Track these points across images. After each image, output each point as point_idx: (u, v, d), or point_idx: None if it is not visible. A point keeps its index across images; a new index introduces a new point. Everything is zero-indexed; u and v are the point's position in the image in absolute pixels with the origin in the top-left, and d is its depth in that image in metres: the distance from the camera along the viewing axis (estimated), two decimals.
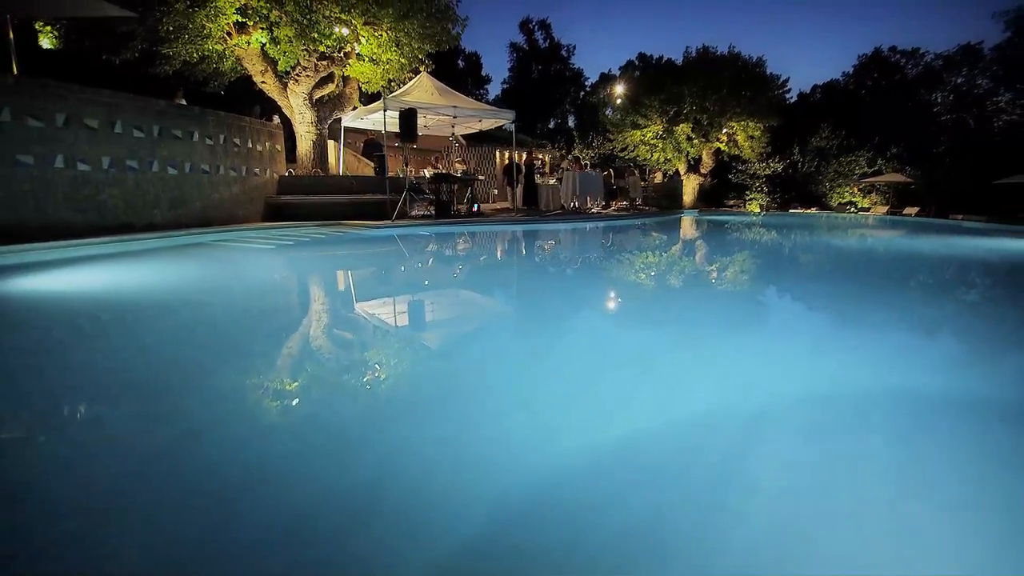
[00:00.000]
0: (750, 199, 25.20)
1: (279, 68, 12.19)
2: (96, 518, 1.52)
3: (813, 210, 24.74)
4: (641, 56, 37.18)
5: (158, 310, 4.41)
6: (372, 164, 14.91)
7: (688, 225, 15.74)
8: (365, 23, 11.77)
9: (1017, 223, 16.16)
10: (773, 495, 1.66)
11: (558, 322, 4.23)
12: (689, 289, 5.80)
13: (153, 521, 1.50)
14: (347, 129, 15.11)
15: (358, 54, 12.79)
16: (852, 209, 24.69)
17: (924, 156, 23.80)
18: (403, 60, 12.97)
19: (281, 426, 2.18)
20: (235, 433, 2.10)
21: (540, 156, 23.90)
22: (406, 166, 13.12)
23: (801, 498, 1.64)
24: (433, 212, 12.84)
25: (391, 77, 13.31)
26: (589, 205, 16.57)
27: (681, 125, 20.44)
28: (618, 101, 25.31)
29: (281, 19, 11.00)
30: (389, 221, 11.40)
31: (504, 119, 14.56)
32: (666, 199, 21.51)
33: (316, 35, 11.11)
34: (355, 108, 14.18)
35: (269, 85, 12.67)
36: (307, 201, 11.79)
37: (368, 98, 15.21)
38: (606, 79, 38.44)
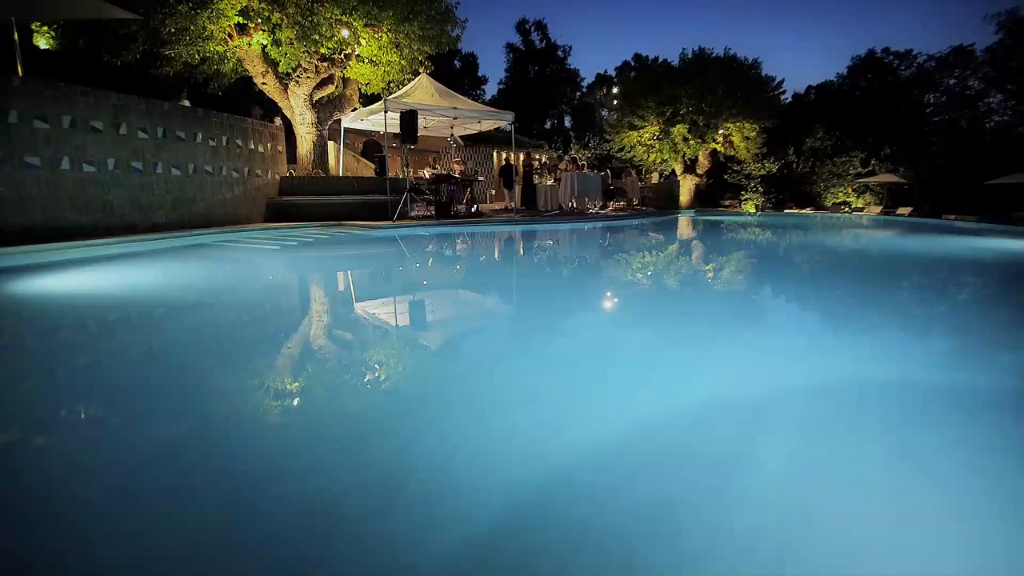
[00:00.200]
0: (745, 199, 25.38)
1: (280, 70, 12.27)
2: (143, 505, 1.63)
3: (808, 210, 24.95)
4: (637, 57, 37.43)
5: (179, 310, 4.52)
6: (372, 165, 15.01)
7: (687, 225, 15.90)
8: (366, 25, 11.86)
9: (1008, 223, 16.39)
10: (776, 480, 1.79)
11: (564, 320, 4.36)
12: (690, 288, 5.94)
13: (181, 510, 1.61)
14: (346, 130, 15.20)
15: (358, 56, 12.88)
16: (846, 209, 24.92)
17: (917, 156, 24.03)
18: (403, 62, 13.07)
19: (300, 421, 2.30)
20: (256, 427, 2.22)
21: (538, 157, 24.04)
22: (407, 167, 13.20)
23: (801, 484, 1.78)
24: (433, 213, 12.95)
25: (391, 79, 13.39)
26: (587, 206, 16.70)
27: (678, 126, 20.61)
28: (614, 102, 25.49)
29: (283, 21, 11.09)
30: (390, 222, 11.50)
31: (504, 120, 14.68)
32: (663, 200, 21.67)
33: (317, 37, 11.20)
34: (355, 109, 14.27)
35: (270, 86, 12.75)
36: (308, 202, 11.89)
37: (367, 99, 15.30)
38: (602, 80, 38.70)
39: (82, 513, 1.58)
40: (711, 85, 20.12)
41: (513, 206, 16.28)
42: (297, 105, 12.84)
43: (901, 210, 22.60)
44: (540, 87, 38.18)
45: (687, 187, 23.49)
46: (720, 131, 21.36)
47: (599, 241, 10.81)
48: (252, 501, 1.61)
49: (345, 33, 11.74)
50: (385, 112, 11.84)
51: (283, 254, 7.90)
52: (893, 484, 1.77)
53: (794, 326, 4.28)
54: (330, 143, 14.92)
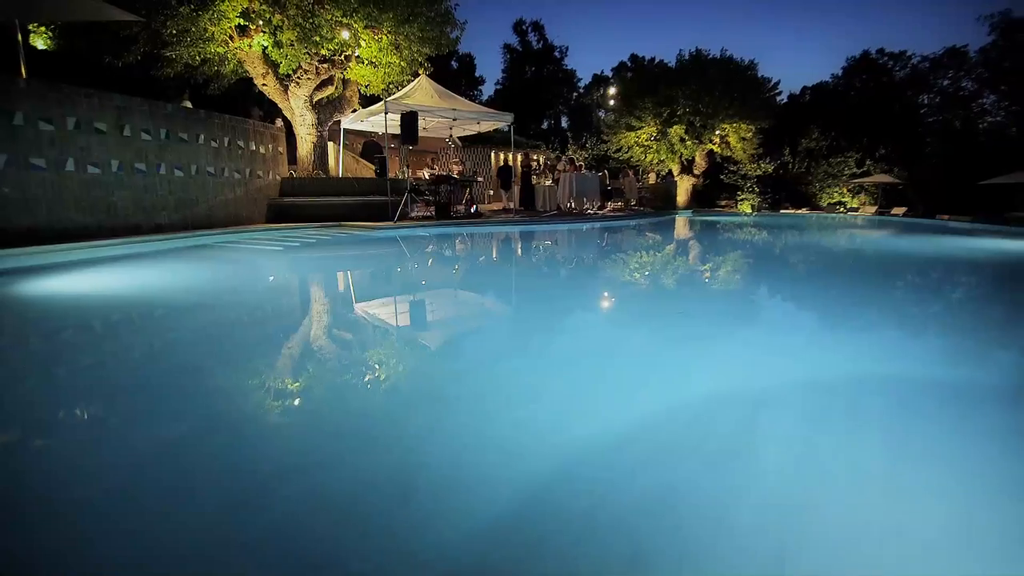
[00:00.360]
0: (742, 199, 25.56)
1: (280, 71, 12.32)
2: (169, 499, 1.72)
3: (804, 210, 25.15)
4: (633, 57, 37.56)
5: (191, 311, 4.59)
6: (371, 166, 15.09)
7: (686, 226, 16.02)
8: (366, 27, 11.93)
9: (1001, 223, 16.58)
10: (775, 473, 1.89)
11: (566, 319, 4.45)
12: (689, 287, 6.04)
13: (204, 505, 1.70)
14: (345, 131, 15.27)
15: (358, 57, 12.95)
16: (841, 209, 25.13)
17: (912, 157, 24.26)
18: (403, 64, 13.14)
19: (313, 419, 2.38)
20: (274, 425, 2.31)
21: (536, 157, 24.15)
22: (407, 168, 13.28)
23: (800, 476, 1.88)
24: (433, 213, 13.03)
25: (391, 80, 13.46)
26: (585, 206, 16.81)
27: (675, 127, 20.76)
28: (611, 103, 25.62)
29: (283, 23, 11.15)
30: (391, 222, 11.57)
31: (503, 121, 14.76)
32: (660, 200, 21.81)
33: (318, 39, 11.26)
34: (355, 110, 14.34)
35: (270, 88, 12.80)
36: (309, 203, 11.95)
37: (367, 100, 15.37)
38: (599, 80, 38.80)
39: (100, 509, 1.66)
40: (708, 86, 20.28)
41: (511, 206, 16.38)
42: (297, 106, 12.90)
43: (896, 210, 22.81)
44: (537, 88, 38.29)
45: (684, 187, 23.64)
46: (717, 132, 21.52)
47: (599, 242, 10.91)
48: (272, 496, 1.70)
49: (345, 35, 11.80)
50: (386, 114, 11.91)
51: (287, 255, 7.97)
52: (890, 475, 1.87)
53: (792, 324, 4.38)
54: (330, 144, 14.98)
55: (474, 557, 1.42)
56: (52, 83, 7.67)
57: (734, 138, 21.59)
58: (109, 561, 1.40)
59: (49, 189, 7.52)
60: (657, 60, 32.22)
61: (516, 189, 16.84)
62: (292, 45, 11.39)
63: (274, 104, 13.43)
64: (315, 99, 13.28)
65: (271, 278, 6.59)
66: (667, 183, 23.53)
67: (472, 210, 14.21)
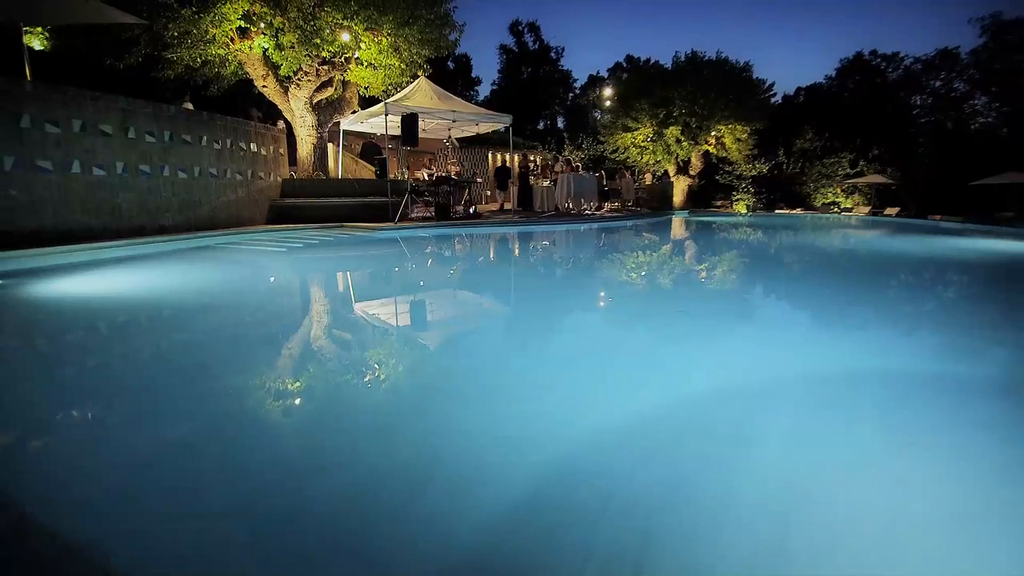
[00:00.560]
0: (737, 200, 25.75)
1: (281, 73, 12.39)
2: (203, 489, 1.84)
3: (798, 211, 25.36)
4: (629, 58, 37.73)
5: (204, 313, 4.70)
6: (371, 167, 15.16)
7: (684, 226, 16.18)
8: (366, 29, 12.02)
9: (992, 223, 16.82)
10: (774, 457, 2.02)
11: (571, 317, 4.58)
12: (688, 287, 6.18)
13: (235, 495, 1.82)
14: (344, 132, 15.35)
15: (358, 59, 13.03)
16: (836, 209, 25.36)
17: (904, 157, 24.51)
18: (402, 65, 13.23)
19: (333, 415, 2.51)
20: (296, 420, 2.43)
21: (534, 158, 24.26)
22: (407, 169, 13.38)
23: (797, 460, 2.01)
24: (432, 214, 13.14)
25: (391, 82, 13.55)
26: (583, 206, 16.94)
27: (671, 128, 20.91)
28: (607, 104, 25.78)
29: (284, 25, 11.23)
30: (391, 223, 11.67)
31: (501, 123, 14.87)
32: (657, 200, 21.97)
33: (319, 41, 11.35)
34: (354, 112, 14.42)
35: (270, 89, 12.87)
36: (310, 204, 12.04)
37: (366, 101, 15.45)
38: (595, 81, 38.95)
39: (147, 499, 1.78)
40: (704, 88, 20.43)
41: (509, 207, 16.50)
42: (298, 108, 12.97)
43: (888, 211, 23.05)
44: (533, 88, 38.39)
45: (680, 188, 23.80)
46: (712, 133, 21.68)
47: (599, 242, 11.05)
48: (296, 488, 1.83)
49: (346, 37, 11.88)
50: (386, 115, 12.00)
51: (290, 256, 8.07)
52: (884, 462, 2.01)
53: (790, 322, 4.53)
54: (329, 145, 15.05)
55: (505, 533, 1.55)
56: (57, 85, 7.74)
57: (729, 139, 21.76)
58: (158, 543, 1.51)
59: (55, 191, 7.59)
60: (653, 61, 32.46)
61: (513, 190, 16.96)
62: (293, 47, 11.47)
63: (273, 105, 13.50)
64: (315, 101, 13.35)
65: (279, 280, 6.69)
66: (663, 183, 23.69)
67: (471, 211, 14.33)
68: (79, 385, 2.88)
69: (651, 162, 22.68)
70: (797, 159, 26.24)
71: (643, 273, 7.05)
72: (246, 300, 5.30)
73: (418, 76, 13.89)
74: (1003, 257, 9.60)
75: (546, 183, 17.50)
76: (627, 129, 22.01)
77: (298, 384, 2.83)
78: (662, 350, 3.55)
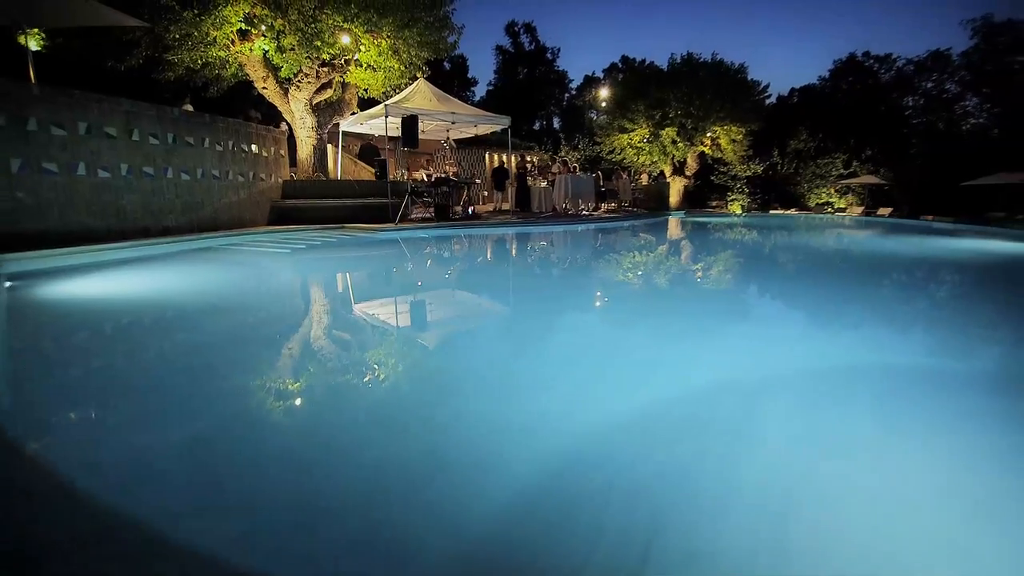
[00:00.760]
0: (732, 200, 25.99)
1: (281, 75, 12.47)
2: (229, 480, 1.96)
3: (793, 211, 25.60)
4: (624, 59, 37.93)
5: (218, 314, 4.79)
6: (370, 168, 15.25)
7: (681, 227, 16.34)
8: (366, 31, 12.11)
9: (983, 223, 17.07)
10: (774, 446, 2.15)
11: (576, 315, 4.71)
12: (688, 286, 6.32)
13: (262, 482, 1.93)
14: (343, 133, 15.43)
15: (357, 61, 13.12)
16: (829, 210, 25.62)
17: (897, 158, 24.80)
18: (402, 68, 13.33)
19: (352, 408, 2.62)
20: (317, 414, 2.55)
21: (531, 159, 24.39)
22: (407, 170, 13.48)
23: (795, 449, 2.15)
24: (430, 215, 13.25)
25: (392, 84, 13.64)
26: (581, 207, 17.08)
27: (667, 129, 21.09)
28: (603, 104, 25.94)
29: (285, 27, 11.30)
30: (392, 224, 11.76)
31: (500, 125, 14.98)
32: (653, 201, 22.14)
33: (319, 43, 11.43)
34: (354, 113, 14.50)
35: (271, 91, 12.93)
36: (311, 205, 12.12)
37: (364, 103, 15.53)
38: (590, 81, 39.13)
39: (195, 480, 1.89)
40: (699, 89, 20.62)
41: (506, 207, 16.62)
42: (298, 109, 13.05)
43: (881, 211, 23.31)
44: (529, 89, 38.54)
45: (676, 188, 23.99)
46: (708, 134, 21.88)
47: (600, 243, 11.19)
48: (328, 469, 1.94)
49: (346, 39, 11.97)
50: (386, 117, 12.10)
51: (295, 257, 8.16)
52: (877, 450, 2.14)
53: (788, 320, 4.67)
54: (328, 146, 15.12)
55: (518, 516, 1.67)
56: (63, 88, 7.80)
57: (725, 140, 21.97)
58: (189, 529, 1.63)
59: (61, 193, 7.66)
60: (648, 62, 32.66)
61: (511, 190, 17.08)
62: (293, 49, 11.55)
63: (271, 105, 13.57)
64: (314, 102, 13.43)
65: (288, 281, 6.79)
66: (660, 184, 23.87)
67: (469, 211, 14.44)
68: (111, 384, 2.97)
69: (647, 163, 22.86)
70: (791, 159, 26.49)
71: (646, 274, 7.18)
72: (257, 302, 5.40)
73: (417, 78, 13.99)
74: (994, 257, 9.80)
75: (543, 184, 17.63)
76: (623, 130, 22.18)
77: (315, 380, 2.94)
78: (662, 347, 3.68)
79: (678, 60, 22.63)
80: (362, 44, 12.43)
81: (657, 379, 3.00)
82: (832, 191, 25.96)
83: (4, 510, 1.67)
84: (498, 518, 1.67)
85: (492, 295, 5.98)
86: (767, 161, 26.17)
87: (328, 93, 13.91)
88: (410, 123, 11.72)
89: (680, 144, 21.61)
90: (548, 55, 40.03)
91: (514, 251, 9.93)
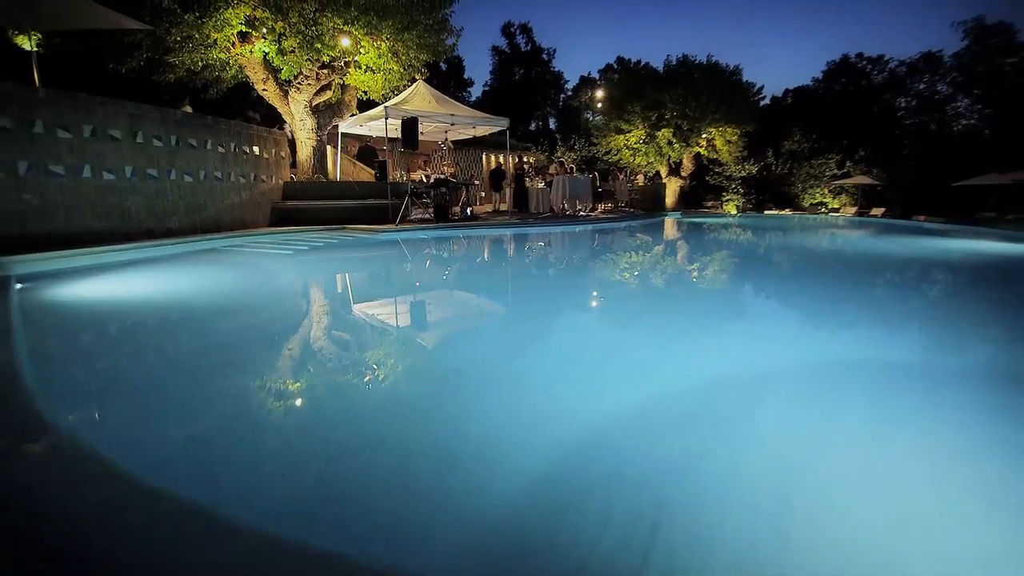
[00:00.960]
0: (727, 200, 26.22)
1: (282, 76, 12.55)
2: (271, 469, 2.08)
3: (787, 211, 25.85)
4: (620, 60, 38.12)
5: (234, 316, 4.90)
6: (369, 170, 15.34)
7: (679, 228, 16.52)
8: (366, 34, 12.20)
9: (974, 224, 17.33)
10: (773, 436, 2.29)
11: (581, 314, 4.84)
12: (693, 285, 6.47)
13: (294, 471, 2.06)
14: (342, 135, 15.51)
15: (356, 63, 13.21)
16: (823, 210, 25.89)
17: (889, 159, 25.08)
18: (401, 70, 13.43)
19: (370, 402, 2.75)
20: (338, 408, 2.67)
21: (528, 159, 24.52)
22: (407, 171, 13.58)
23: (793, 436, 2.29)
24: (430, 216, 13.36)
25: (391, 86, 13.74)
26: (578, 208, 17.23)
27: (663, 130, 21.29)
28: (599, 105, 26.12)
29: (286, 30, 11.39)
30: (392, 225, 11.87)
31: (499, 126, 15.10)
32: (650, 201, 22.34)
33: (319, 46, 11.52)
34: (353, 115, 14.59)
35: (270, 93, 13.01)
36: (312, 206, 12.21)
37: (363, 104, 15.61)
38: (586, 82, 39.30)
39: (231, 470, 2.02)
40: (695, 91, 20.83)
41: (503, 208, 16.76)
42: (297, 111, 13.13)
43: (874, 211, 23.58)
44: (525, 89, 38.66)
45: (672, 189, 24.21)
46: (703, 135, 22.10)
47: (600, 244, 11.33)
48: (352, 461, 2.07)
49: (346, 42, 12.06)
50: (386, 119, 12.20)
51: (299, 258, 8.26)
52: (872, 443, 2.28)
53: (787, 318, 4.82)
54: (327, 147, 15.20)
55: (530, 501, 1.79)
56: (68, 91, 7.87)
57: (720, 141, 22.19)
58: (257, 489, 1.75)
59: (67, 195, 7.73)
60: (643, 62, 32.84)
61: (508, 191, 17.22)
62: (294, 52, 11.64)
63: (270, 106, 13.64)
64: (314, 104, 13.51)
65: (298, 283, 6.89)
66: (656, 184, 24.08)
67: (468, 212, 14.57)
68: (158, 381, 3.08)
69: (643, 163, 23.06)
70: (785, 160, 26.74)
71: (647, 274, 7.32)
72: (269, 303, 5.50)
73: (416, 80, 14.09)
74: (981, 257, 10.00)
75: (541, 185, 17.77)
76: (620, 131, 22.37)
77: (335, 376, 3.06)
78: (662, 345, 3.82)
79: (674, 62, 22.85)
80: (362, 46, 12.52)
81: (656, 376, 3.14)
82: (826, 191, 26.22)
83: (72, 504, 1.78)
84: (517, 496, 1.80)
85: (497, 295, 6.11)
86: (762, 162, 26.41)
87: (328, 95, 13.99)
88: (410, 125, 11.83)
89: (676, 145, 21.81)
90: (544, 56, 40.17)
91: (516, 252, 10.05)
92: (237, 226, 10.67)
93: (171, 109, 9.46)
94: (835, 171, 25.74)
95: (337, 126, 14.80)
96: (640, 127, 21.74)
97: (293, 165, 14.26)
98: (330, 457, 2.15)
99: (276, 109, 13.58)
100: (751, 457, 2.13)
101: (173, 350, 3.73)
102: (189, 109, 12.64)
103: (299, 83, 12.76)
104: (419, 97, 13.49)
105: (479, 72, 72.44)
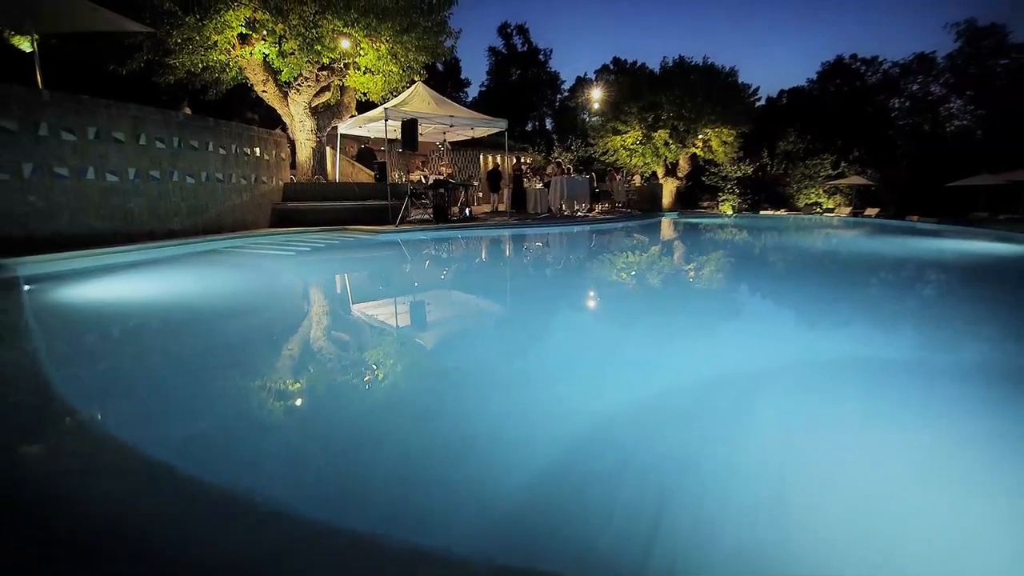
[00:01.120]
0: (723, 200, 26.40)
1: (282, 78, 12.61)
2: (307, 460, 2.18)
3: (783, 212, 26.04)
4: (616, 60, 38.29)
5: (246, 317, 4.98)
6: (369, 171, 15.42)
7: (676, 228, 16.66)
8: (366, 36, 12.28)
9: (966, 224, 17.53)
10: (770, 428, 2.41)
11: (584, 312, 4.95)
12: (692, 285, 6.59)
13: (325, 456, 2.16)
14: (341, 136, 15.58)
15: (356, 65, 13.28)
16: (818, 210, 26.09)
17: (883, 159, 25.31)
18: (400, 71, 13.51)
19: (386, 397, 2.85)
20: (357, 402, 2.77)
21: (526, 160, 24.63)
22: (407, 173, 13.67)
23: (789, 428, 2.40)
24: (430, 216, 13.45)
25: (391, 88, 13.82)
26: (576, 208, 17.34)
27: (659, 131, 21.44)
28: (595, 106, 26.26)
29: (286, 32, 11.46)
30: (392, 226, 11.96)
31: (497, 128, 15.20)
32: (647, 202, 22.50)
33: (320, 48, 11.60)
34: (352, 116, 14.66)
35: (270, 94, 13.07)
36: (312, 207, 12.28)
37: (362, 105, 15.69)
38: (582, 82, 39.41)
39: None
40: (691, 92, 20.98)
41: (501, 208, 16.86)
42: (297, 113, 13.19)
43: (868, 211, 23.79)
44: (522, 90, 38.78)
45: (668, 189, 24.37)
46: (699, 136, 22.25)
47: (600, 244, 11.45)
48: (372, 451, 2.18)
49: (346, 44, 12.14)
50: (386, 121, 12.28)
51: (302, 259, 8.34)
52: (864, 434, 2.40)
53: (784, 316, 4.95)
54: (326, 149, 15.26)
55: (540, 492, 1.90)
56: (72, 94, 7.92)
57: (716, 142, 22.36)
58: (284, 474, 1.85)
59: (71, 197, 7.78)
60: (639, 63, 33.03)
61: (506, 192, 17.32)
62: (294, 54, 11.71)
63: (269, 107, 13.70)
64: (313, 105, 13.58)
65: (299, 283, 6.97)
66: (652, 185, 24.23)
67: (467, 213, 14.66)
68: (189, 376, 3.17)
69: (640, 164, 23.21)
70: (781, 160, 26.94)
71: (649, 274, 7.44)
72: (279, 304, 5.59)
73: (415, 81, 14.18)
74: (974, 258, 10.17)
75: (539, 185, 17.88)
76: (616, 132, 22.51)
77: (353, 374, 3.16)
78: (661, 344, 3.93)
79: (670, 63, 23.00)
80: (362, 48, 12.60)
81: (654, 373, 3.25)
82: (821, 192, 26.43)
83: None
84: (527, 486, 1.91)
85: (501, 295, 6.21)
86: (757, 162, 26.60)
87: (327, 96, 14.07)
88: (410, 126, 11.92)
89: (672, 146, 21.97)
90: (540, 56, 40.30)
91: (517, 253, 10.16)
92: (238, 227, 10.74)
93: (173, 111, 9.52)
94: (830, 171, 25.95)
95: (336, 127, 14.86)
96: (637, 128, 21.89)
97: (292, 166, 14.33)
98: (348, 446, 2.25)
99: (274, 110, 13.66)
100: (748, 449, 2.24)
101: (191, 349, 3.81)
102: (188, 110, 12.70)
103: (299, 85, 12.83)
104: (418, 98, 13.58)
105: (475, 72, 72.57)
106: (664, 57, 23.17)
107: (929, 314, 5.34)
